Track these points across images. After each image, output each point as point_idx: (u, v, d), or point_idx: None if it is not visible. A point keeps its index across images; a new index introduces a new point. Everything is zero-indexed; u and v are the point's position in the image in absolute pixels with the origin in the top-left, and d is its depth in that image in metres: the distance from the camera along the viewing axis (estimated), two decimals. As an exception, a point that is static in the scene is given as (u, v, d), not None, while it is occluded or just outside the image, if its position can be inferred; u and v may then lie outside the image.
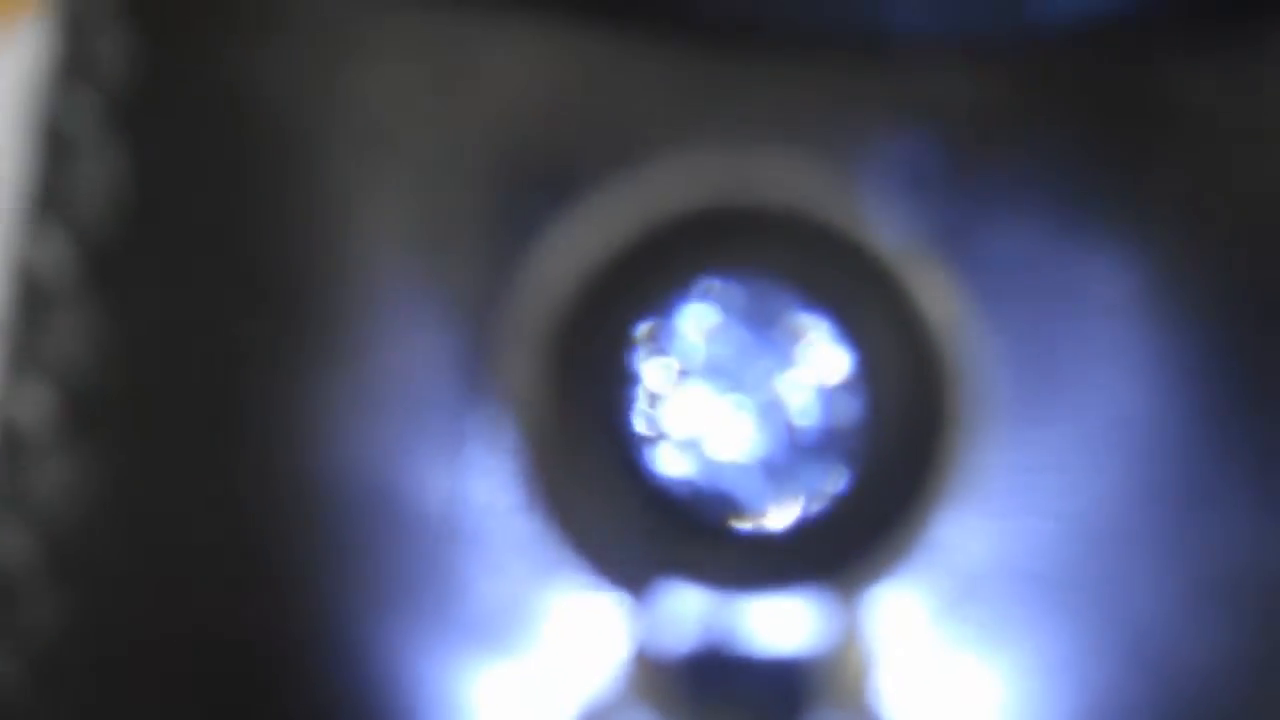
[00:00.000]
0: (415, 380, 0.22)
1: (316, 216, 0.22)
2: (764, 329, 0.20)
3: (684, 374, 0.19)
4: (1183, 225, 0.22)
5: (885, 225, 0.19)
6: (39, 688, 0.22)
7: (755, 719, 0.19)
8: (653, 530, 0.19)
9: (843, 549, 0.19)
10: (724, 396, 0.20)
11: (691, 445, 0.20)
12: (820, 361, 0.19)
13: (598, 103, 0.22)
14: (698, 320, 0.19)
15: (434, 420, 0.22)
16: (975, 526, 0.21)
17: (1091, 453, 0.21)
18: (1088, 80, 0.22)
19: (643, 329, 0.19)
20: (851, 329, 0.19)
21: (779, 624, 0.19)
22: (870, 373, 0.19)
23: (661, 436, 0.19)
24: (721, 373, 0.20)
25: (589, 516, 0.19)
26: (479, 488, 0.21)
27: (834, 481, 0.19)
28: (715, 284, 0.19)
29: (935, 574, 0.21)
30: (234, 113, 0.22)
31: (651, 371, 0.19)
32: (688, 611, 0.19)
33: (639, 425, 0.19)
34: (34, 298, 0.21)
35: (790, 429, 0.20)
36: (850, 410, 0.19)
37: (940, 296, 0.19)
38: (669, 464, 0.19)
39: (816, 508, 0.19)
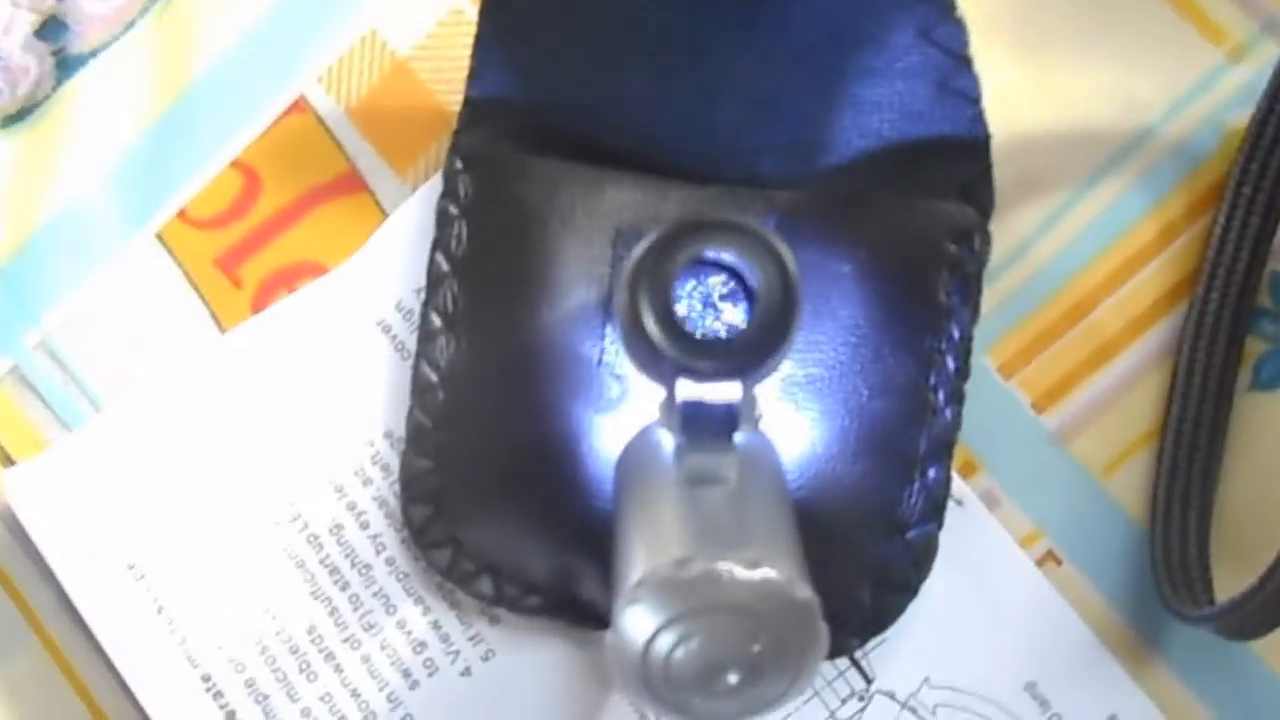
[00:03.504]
0: (583, 305, 0.35)
1: (542, 249, 0.35)
2: (706, 283, 0.33)
3: (680, 298, 0.32)
4: (869, 249, 0.35)
5: (765, 238, 0.30)
6: (435, 424, 0.35)
7: (713, 434, 0.29)
8: (677, 355, 0.30)
9: (746, 364, 0.30)
10: (704, 313, 0.33)
11: (689, 320, 0.32)
12: (733, 294, 0.33)
13: (650, 203, 0.35)
14: (692, 283, 0.33)
15: (593, 317, 0.35)
16: (790, 362, 0.34)
17: (833, 337, 0.35)
18: (838, 196, 0.35)
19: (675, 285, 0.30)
20: (750, 277, 0.30)
21: (723, 391, 0.29)
22: (758, 300, 0.30)
23: (681, 319, 0.30)
24: (701, 300, 0.33)
25: (650, 351, 0.30)
26: (612, 345, 0.35)
27: (738, 338, 0.30)
28: (691, 270, 0.31)
29: (777, 378, 0.34)
30: (510, 209, 0.35)
31: (676, 300, 0.30)
32: (689, 389, 0.30)
33: (675, 315, 0.29)
34: (434, 278, 0.35)
35: (722, 320, 0.33)
36: (746, 314, 0.30)
37: (789, 261, 0.30)
38: (685, 328, 0.30)
39: (733, 348, 0.30)
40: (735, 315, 0.33)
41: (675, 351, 0.30)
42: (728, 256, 0.30)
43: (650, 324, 0.29)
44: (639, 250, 0.30)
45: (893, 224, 0.35)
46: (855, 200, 0.36)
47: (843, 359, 0.35)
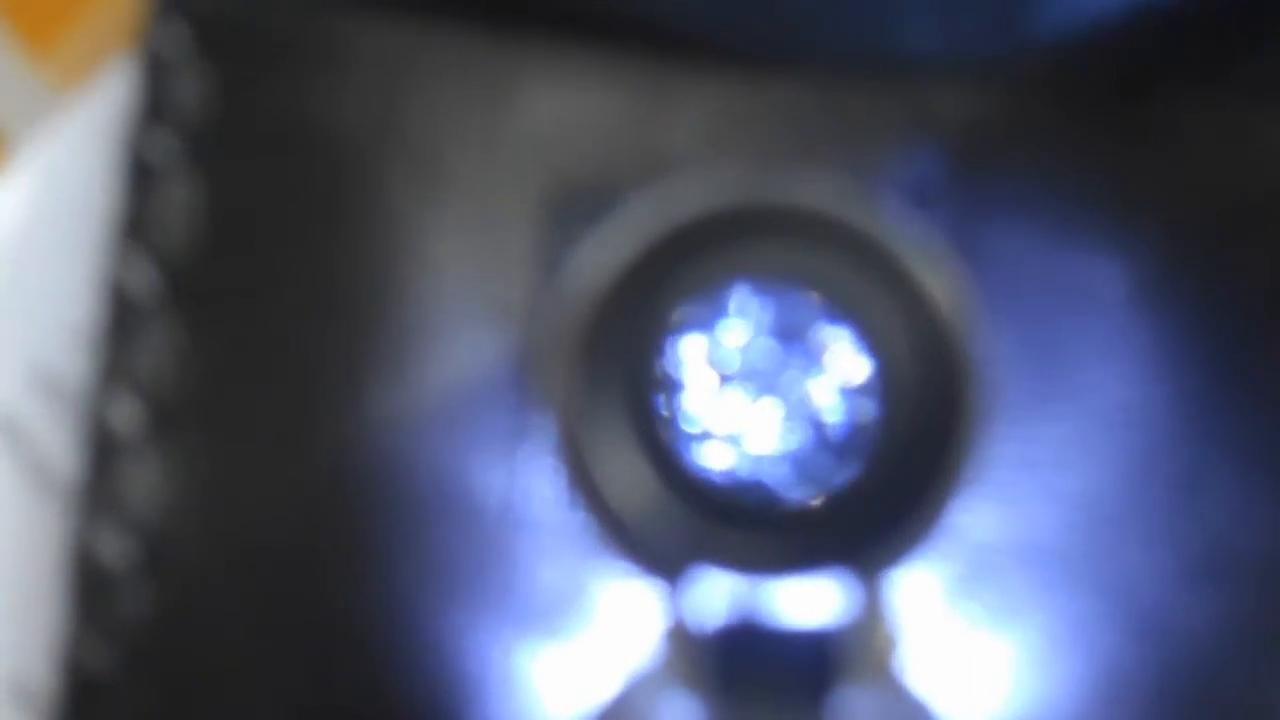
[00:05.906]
0: (471, 383, 0.24)
1: (378, 237, 0.24)
2: (793, 339, 0.21)
3: (725, 379, 0.21)
4: (1167, 229, 0.24)
5: (898, 232, 0.20)
6: (132, 672, 0.23)
7: (784, 696, 0.20)
8: (689, 519, 0.21)
9: (864, 533, 0.20)
10: (758, 399, 0.21)
11: (731, 441, 0.21)
12: (843, 366, 0.21)
13: (633, 125, 0.24)
14: (734, 332, 0.21)
15: (490, 419, 0.24)
16: (984, 511, 0.23)
17: (1089, 440, 0.23)
18: (1076, 98, 0.24)
19: (684, 341, 0.21)
20: (871, 336, 0.21)
21: (806, 604, 0.20)
22: (889, 375, 0.21)
23: (704, 434, 0.21)
24: (756, 378, 0.21)
25: (626, 508, 0.20)
26: (533, 481, 0.23)
27: (854, 472, 0.21)
28: (747, 297, 0.21)
29: (950, 555, 0.23)
30: (301, 143, 0.24)
31: (693, 377, 0.21)
32: (720, 594, 0.20)
33: (676, 423, 0.21)
34: (122, 315, 0.23)
35: (817, 426, 0.21)
36: (870, 409, 0.21)
37: (950, 300, 0.20)
38: (710, 459, 0.21)
39: (840, 496, 0.21)
40: (848, 364, 0.20)
41: (689, 524, 0.20)
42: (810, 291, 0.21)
43: (622, 456, 0.20)
44: (587, 279, 0.19)
45: (1217, 169, 0.24)
46: (1126, 114, 0.24)
47: (1111, 495, 0.23)
